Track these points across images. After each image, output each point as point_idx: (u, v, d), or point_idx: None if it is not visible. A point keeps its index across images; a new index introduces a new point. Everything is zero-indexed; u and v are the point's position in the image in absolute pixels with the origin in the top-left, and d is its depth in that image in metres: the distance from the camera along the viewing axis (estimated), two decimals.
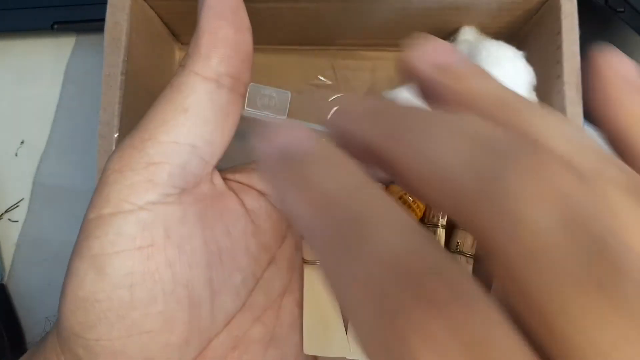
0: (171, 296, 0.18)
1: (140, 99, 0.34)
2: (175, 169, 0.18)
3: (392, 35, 0.38)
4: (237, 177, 0.21)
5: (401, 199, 0.20)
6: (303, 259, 0.21)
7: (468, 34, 0.36)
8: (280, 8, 0.35)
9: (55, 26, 0.39)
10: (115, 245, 0.17)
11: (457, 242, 0.20)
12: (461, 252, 0.20)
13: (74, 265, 0.18)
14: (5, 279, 0.39)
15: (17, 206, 0.40)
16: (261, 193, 0.21)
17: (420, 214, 0.20)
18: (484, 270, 0.20)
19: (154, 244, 0.18)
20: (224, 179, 0.21)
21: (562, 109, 0.31)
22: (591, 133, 0.19)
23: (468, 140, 0.10)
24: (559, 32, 0.31)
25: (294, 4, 0.34)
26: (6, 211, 0.40)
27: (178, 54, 0.41)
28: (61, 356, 0.19)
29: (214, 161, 0.19)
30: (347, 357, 0.20)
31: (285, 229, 0.21)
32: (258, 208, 0.21)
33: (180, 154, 0.18)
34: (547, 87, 0.32)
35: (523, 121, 0.12)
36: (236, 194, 0.21)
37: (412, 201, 0.20)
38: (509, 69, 0.32)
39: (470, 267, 0.20)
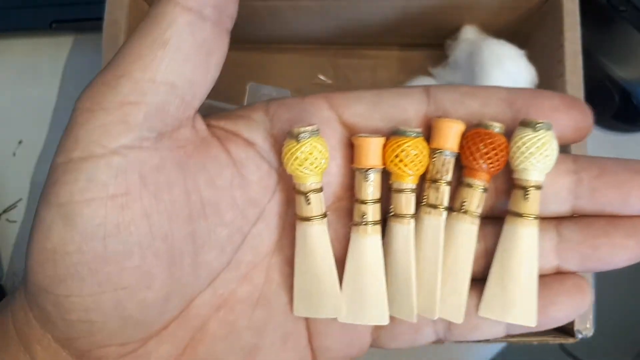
0: (148, 250, 0.17)
1: None
2: (152, 110, 0.17)
3: (393, 33, 0.38)
4: (223, 123, 0.20)
5: (403, 151, 0.19)
6: (295, 214, 0.19)
7: (469, 32, 0.35)
8: (280, 6, 0.34)
9: (54, 25, 0.39)
10: (86, 192, 0.16)
11: (463, 202, 0.19)
12: (466, 212, 0.19)
13: (41, 214, 0.17)
14: (4, 279, 0.39)
15: (15, 206, 0.40)
16: (249, 142, 0.20)
17: (422, 169, 0.19)
18: (486, 230, 0.19)
19: (128, 192, 0.17)
20: (208, 125, 0.20)
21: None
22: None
23: None
24: (560, 31, 0.31)
25: (294, 2, 0.34)
26: (4, 211, 0.40)
27: None
28: (29, 313, 0.18)
29: (196, 103, 0.18)
30: (340, 320, 0.19)
31: (275, 182, 0.20)
32: (245, 158, 0.19)
33: (157, 93, 0.17)
34: (549, 86, 0.32)
35: None
36: (221, 142, 0.19)
37: (415, 155, 0.19)
38: (511, 67, 0.32)
39: (476, 228, 0.19)
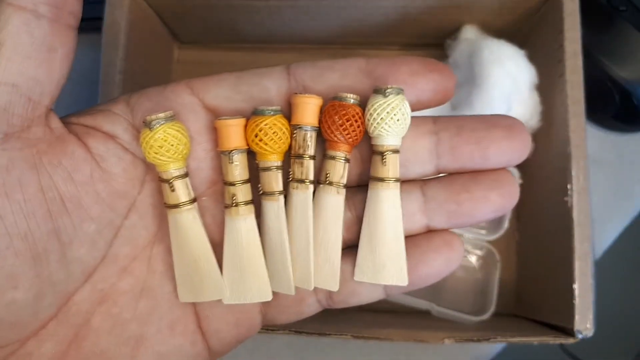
0: (7, 250, 0.17)
1: None
2: None
3: (393, 33, 0.38)
4: (82, 119, 0.20)
5: (262, 130, 0.19)
6: (164, 203, 0.19)
7: (469, 32, 0.35)
8: (280, 6, 0.34)
9: None
10: None
11: (327, 174, 0.19)
12: (331, 183, 0.19)
13: None
14: None
15: None
16: (109, 135, 0.19)
17: (284, 146, 0.19)
18: (356, 199, 0.20)
19: None
20: (67, 122, 0.19)
21: (564, 108, 0.30)
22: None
23: None
24: (561, 31, 0.31)
25: (294, 2, 0.34)
26: None
27: (177, 53, 0.41)
28: None
29: (45, 101, 0.18)
30: (224, 302, 0.20)
31: (143, 172, 0.20)
32: (105, 151, 0.19)
33: None
34: (549, 86, 0.32)
35: None
36: (79, 138, 0.19)
37: (274, 133, 0.19)
38: (511, 67, 0.32)
39: (342, 197, 0.20)
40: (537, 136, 0.34)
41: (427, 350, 0.38)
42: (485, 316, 0.34)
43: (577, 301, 0.28)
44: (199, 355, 0.20)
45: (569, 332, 0.29)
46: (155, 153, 0.18)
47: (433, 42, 0.38)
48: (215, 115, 0.20)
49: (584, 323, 0.28)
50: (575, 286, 0.29)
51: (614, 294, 0.39)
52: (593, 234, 0.29)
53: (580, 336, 0.28)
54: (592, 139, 0.25)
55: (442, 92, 0.20)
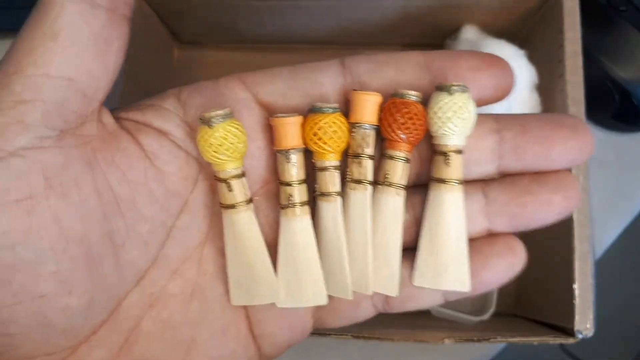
0: (64, 255, 0.16)
1: (139, 98, 0.33)
2: (50, 107, 0.16)
3: (393, 33, 0.38)
4: (131, 115, 0.19)
5: (321, 129, 0.18)
6: (220, 203, 0.18)
7: (469, 32, 0.35)
8: (280, 6, 0.34)
9: None
10: None
11: (387, 174, 0.19)
12: (391, 184, 0.19)
13: None
14: None
15: None
16: (161, 132, 0.19)
17: (343, 145, 0.19)
18: (414, 200, 0.19)
19: (33, 195, 0.15)
20: (117, 118, 0.18)
21: (564, 108, 0.30)
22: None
23: None
24: (561, 31, 0.31)
25: (294, 2, 0.34)
26: None
27: (177, 53, 0.41)
28: None
29: (99, 96, 0.17)
30: (278, 305, 0.19)
31: (196, 171, 0.19)
32: (158, 149, 0.18)
33: (54, 90, 0.16)
34: (549, 86, 0.32)
35: None
36: (131, 135, 0.18)
37: (334, 131, 0.18)
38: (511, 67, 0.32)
39: (401, 199, 0.19)
40: None
41: (427, 350, 0.38)
42: (485, 316, 0.34)
43: (577, 301, 0.28)
44: (252, 359, 0.20)
45: (569, 332, 0.29)
46: (214, 152, 0.17)
47: (433, 42, 0.38)
48: (268, 111, 0.19)
49: (584, 323, 0.28)
50: (575, 286, 0.29)
51: (614, 294, 0.39)
52: (593, 234, 0.29)
53: (580, 336, 0.28)
54: None
55: (502, 88, 0.19)
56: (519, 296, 0.37)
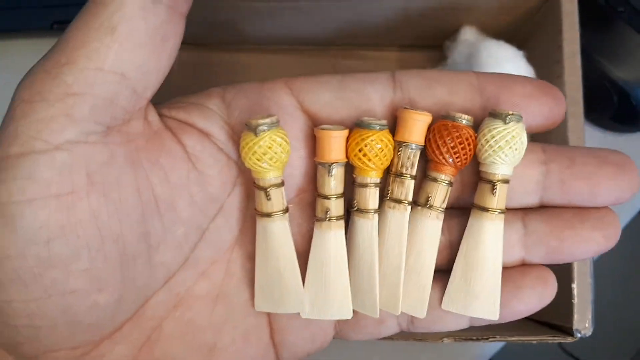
0: (98, 253, 0.16)
1: None
2: (100, 102, 0.15)
3: (392, 35, 0.38)
4: (175, 113, 0.18)
5: (367, 145, 0.18)
6: (255, 210, 0.18)
7: (468, 33, 0.35)
8: (281, 7, 0.34)
9: (55, 26, 0.39)
10: (26, 192, 0.15)
11: (428, 197, 0.18)
12: (431, 207, 0.18)
13: None
14: None
15: None
16: (204, 133, 0.18)
17: (387, 163, 0.18)
18: (450, 223, 0.19)
19: (74, 190, 0.15)
20: (160, 115, 0.18)
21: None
22: None
23: None
24: (559, 32, 0.31)
25: (295, 3, 0.34)
26: None
27: (178, 54, 0.41)
28: None
29: (148, 94, 0.17)
30: (303, 316, 0.19)
31: (235, 175, 0.19)
32: (201, 151, 0.18)
33: (105, 84, 0.15)
34: None
35: None
36: (175, 135, 0.18)
37: (380, 149, 0.18)
38: (510, 68, 0.32)
39: (440, 223, 0.19)
40: (535, 137, 0.34)
41: (427, 350, 0.38)
42: None
43: (575, 300, 0.29)
44: None
45: (568, 331, 0.29)
46: (258, 160, 0.17)
47: (432, 43, 0.38)
48: (312, 120, 0.19)
49: (583, 322, 0.28)
50: (574, 285, 0.29)
51: (612, 294, 0.40)
52: None
53: (579, 335, 0.28)
54: (590, 140, 0.26)
55: (552, 119, 0.19)
56: None
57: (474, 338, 0.29)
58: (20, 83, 0.16)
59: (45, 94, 0.15)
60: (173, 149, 0.18)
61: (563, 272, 0.30)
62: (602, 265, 0.38)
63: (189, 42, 0.42)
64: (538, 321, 0.33)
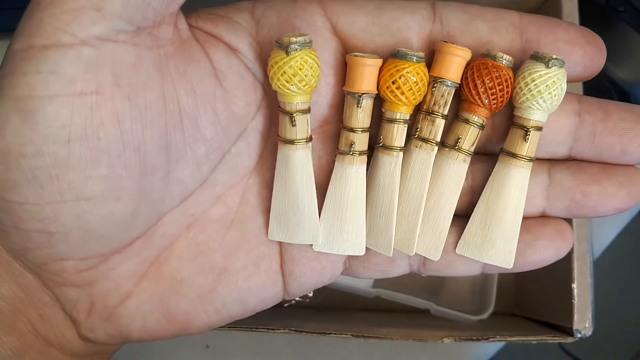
0: (118, 159, 0.15)
1: None
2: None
3: None
4: (202, 24, 0.17)
5: (402, 77, 0.17)
6: (278, 136, 0.17)
7: None
8: None
9: None
10: (49, 86, 0.14)
11: (459, 138, 0.18)
12: (459, 149, 0.18)
13: None
14: None
15: None
16: (232, 48, 0.17)
17: (420, 99, 0.17)
18: (478, 168, 0.19)
19: (99, 90, 0.14)
20: (188, 25, 0.17)
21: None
22: None
23: None
24: None
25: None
26: None
27: None
28: None
29: None
30: (315, 249, 0.18)
31: (260, 97, 0.18)
32: (228, 67, 0.17)
33: None
34: None
35: None
36: (202, 47, 0.17)
37: (414, 82, 0.17)
38: None
39: (466, 166, 0.18)
40: None
41: (427, 350, 0.38)
42: (484, 315, 0.34)
43: (575, 301, 0.29)
44: (276, 295, 0.19)
45: (568, 331, 0.29)
46: (286, 81, 0.16)
47: None
48: (344, 45, 0.18)
49: (583, 322, 0.28)
50: (574, 286, 0.29)
51: (612, 294, 0.40)
52: (591, 234, 0.29)
53: (579, 335, 0.28)
54: None
55: (592, 68, 0.18)
56: (518, 295, 0.37)
57: (474, 338, 0.29)
58: None
59: None
60: (201, 61, 0.17)
61: (563, 273, 0.30)
62: (602, 265, 0.38)
63: None
64: (538, 321, 0.33)
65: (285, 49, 0.16)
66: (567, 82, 0.17)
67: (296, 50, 0.16)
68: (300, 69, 0.16)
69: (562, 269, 0.30)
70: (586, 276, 0.29)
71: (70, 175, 0.15)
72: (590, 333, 0.29)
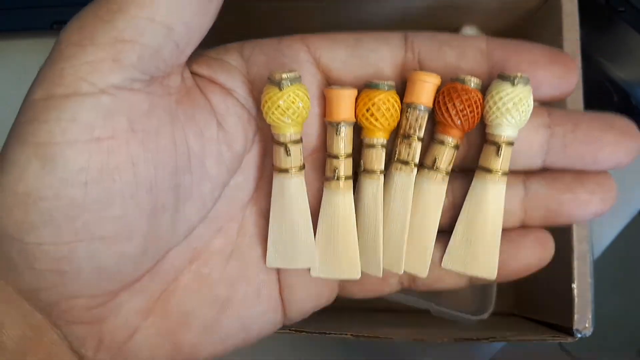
0: (131, 200, 0.16)
1: None
2: (147, 52, 0.16)
3: None
4: (198, 68, 0.19)
5: (374, 105, 0.18)
6: (273, 165, 0.18)
7: (468, 33, 0.36)
8: (281, 7, 0.35)
9: (55, 26, 0.39)
10: (69, 133, 0.15)
11: (435, 159, 0.19)
12: (437, 170, 0.19)
13: (12, 152, 0.15)
14: None
15: None
16: (227, 90, 0.19)
17: (394, 124, 0.19)
18: (458, 184, 0.20)
19: (115, 136, 0.15)
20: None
21: (562, 108, 0.30)
22: None
23: None
24: (559, 32, 0.31)
25: (295, 3, 0.34)
26: None
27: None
28: None
29: (188, 50, 0.17)
30: (312, 275, 0.19)
31: (254, 131, 0.19)
32: (226, 109, 0.18)
33: (154, 35, 0.15)
34: None
35: None
36: (203, 92, 0.18)
37: (386, 108, 0.18)
38: None
39: (445, 185, 0.19)
40: None
41: (427, 349, 0.38)
42: (484, 315, 0.34)
43: (576, 300, 0.29)
44: (277, 322, 0.20)
45: (568, 331, 0.29)
46: (280, 114, 0.17)
47: None
48: (327, 77, 0.19)
49: (583, 322, 0.28)
50: (574, 285, 0.29)
51: (612, 294, 0.40)
52: (592, 234, 0.29)
53: (579, 335, 0.28)
54: None
55: (561, 89, 0.19)
56: (518, 295, 0.37)
57: (474, 338, 0.29)
58: (68, 26, 0.16)
59: (96, 37, 0.15)
60: (205, 105, 0.18)
61: (563, 272, 0.30)
62: (602, 265, 0.38)
63: None
64: (538, 321, 0.33)
65: (278, 84, 0.17)
66: (539, 102, 0.18)
67: (288, 85, 0.17)
68: (293, 102, 0.17)
69: (562, 269, 0.30)
70: (586, 276, 0.29)
71: (85, 215, 0.15)
72: (590, 333, 0.29)
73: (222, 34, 0.40)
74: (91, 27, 0.15)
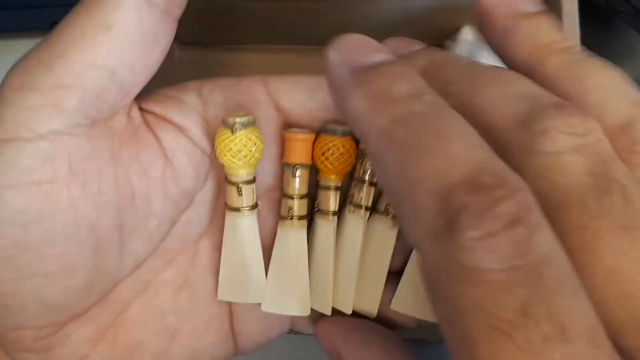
0: (72, 239, 0.16)
1: (138, 98, 0.33)
2: (89, 96, 0.16)
3: (391, 34, 0.38)
4: (152, 106, 0.19)
5: (329, 150, 0.19)
6: (226, 204, 0.19)
7: (468, 34, 0.36)
8: (280, 7, 0.35)
9: (55, 25, 0.39)
10: (7, 176, 0.15)
11: (388, 205, 0.19)
12: (389, 214, 0.19)
13: None
14: None
15: None
16: (180, 128, 0.19)
17: (348, 169, 0.19)
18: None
19: (55, 179, 0.16)
20: (139, 108, 0.19)
21: None
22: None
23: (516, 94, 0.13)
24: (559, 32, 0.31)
25: (294, 3, 0.34)
26: None
27: (178, 54, 0.41)
28: None
29: (134, 92, 0.17)
30: (263, 309, 0.19)
31: (207, 169, 0.19)
32: (176, 147, 0.18)
33: (96, 79, 0.16)
34: None
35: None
36: (152, 130, 0.18)
37: (341, 154, 0.19)
38: None
39: (396, 230, 0.19)
40: None
41: (427, 350, 0.38)
42: None
43: None
44: (228, 353, 0.20)
45: None
46: (232, 157, 0.18)
47: (432, 43, 0.38)
48: (286, 119, 0.20)
49: None
50: None
51: None
52: None
53: None
54: None
55: None
56: None
57: None
58: (11, 70, 0.16)
59: (36, 83, 0.15)
60: (152, 144, 0.18)
61: None
62: None
63: (189, 42, 0.42)
64: None
65: (231, 128, 0.18)
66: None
67: (241, 129, 0.18)
68: (245, 145, 0.18)
69: None
70: None
71: (27, 254, 0.16)
72: None
73: (223, 34, 0.40)
74: (32, 72, 0.15)
